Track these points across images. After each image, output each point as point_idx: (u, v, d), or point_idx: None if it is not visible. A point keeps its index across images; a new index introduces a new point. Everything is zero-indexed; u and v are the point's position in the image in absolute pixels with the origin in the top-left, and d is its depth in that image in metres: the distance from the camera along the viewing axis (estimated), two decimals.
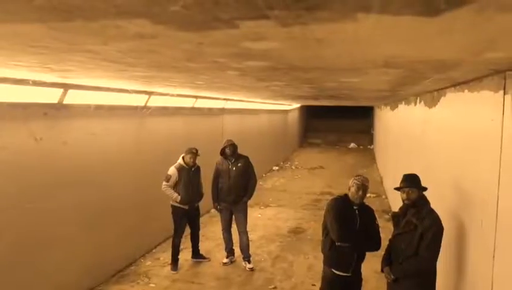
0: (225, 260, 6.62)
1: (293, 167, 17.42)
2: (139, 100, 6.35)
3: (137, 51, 2.15)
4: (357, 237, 3.93)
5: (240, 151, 6.58)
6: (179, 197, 6.18)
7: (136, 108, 6.44)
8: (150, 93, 6.40)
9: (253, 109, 13.15)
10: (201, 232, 6.84)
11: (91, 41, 1.83)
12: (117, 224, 6.10)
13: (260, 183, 12.41)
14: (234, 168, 6.41)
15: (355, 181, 4.00)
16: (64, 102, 4.88)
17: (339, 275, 4.00)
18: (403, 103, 8.89)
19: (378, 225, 4.07)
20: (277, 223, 8.99)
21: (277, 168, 16.73)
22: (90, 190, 5.50)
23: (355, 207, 3.99)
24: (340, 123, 26.22)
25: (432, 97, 5.45)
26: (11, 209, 4.29)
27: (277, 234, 8.24)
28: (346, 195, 4.06)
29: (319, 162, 18.25)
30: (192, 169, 6.34)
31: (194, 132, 8.67)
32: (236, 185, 6.40)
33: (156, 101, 6.79)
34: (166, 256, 6.70)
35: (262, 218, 9.34)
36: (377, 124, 20.76)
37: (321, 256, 6.86)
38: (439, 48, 1.88)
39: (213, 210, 9.60)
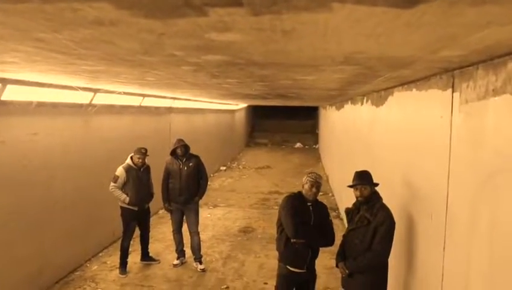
0: (176, 262, 6.47)
1: (241, 167, 17.43)
2: (84, 98, 6.06)
3: (92, 40, 2.02)
4: (312, 233, 3.96)
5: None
6: (128, 198, 5.97)
7: (81, 106, 6.14)
8: (95, 91, 6.13)
9: (201, 108, 13.01)
10: (150, 234, 6.64)
11: (43, 27, 1.69)
12: (61, 227, 5.78)
13: (208, 183, 12.28)
14: (185, 168, 6.28)
15: (309, 178, 4.03)
16: (2, 98, 4.56)
17: (294, 271, 4.01)
18: (349, 102, 9.13)
19: (331, 221, 4.13)
20: (226, 223, 8.94)
21: (224, 168, 16.67)
22: (31, 191, 5.19)
23: (309, 204, 4.02)
24: (286, 123, 26.62)
25: (379, 96, 5.62)
26: None
27: (227, 234, 8.18)
28: (299, 192, 4.09)
29: (266, 162, 18.37)
30: (141, 169, 6.15)
31: (141, 131, 8.43)
32: (188, 185, 6.27)
33: (101, 99, 6.52)
34: (114, 260, 6.46)
35: (212, 218, 9.25)
36: (322, 124, 21.21)
37: (272, 254, 6.95)
38: (401, 43, 1.91)
39: (162, 211, 9.41)
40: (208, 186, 11.49)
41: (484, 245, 2.35)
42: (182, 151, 6.27)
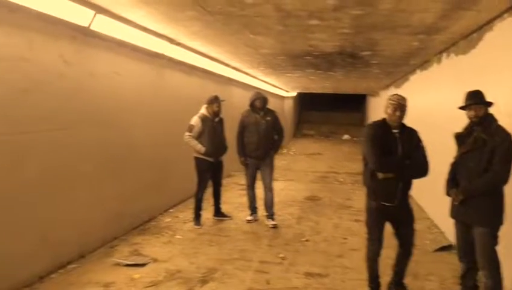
0: (249, 218, 6.30)
1: (291, 153, 17.17)
2: (159, 46, 5.97)
3: None
4: (399, 164, 3.56)
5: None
6: (203, 148, 5.83)
7: (156, 55, 6.06)
8: (171, 40, 6.06)
9: (257, 87, 12.85)
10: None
11: None
12: (136, 176, 5.73)
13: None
14: (263, 122, 6.09)
15: (391, 102, 3.63)
16: (91, 27, 4.49)
17: (383, 204, 3.64)
18: (417, 71, 8.71)
19: (423, 147, 3.69)
20: (290, 193, 8.71)
21: None
22: (111, 132, 5.14)
23: (394, 131, 3.64)
24: (333, 115, 26.29)
25: (468, 42, 5.25)
26: (35, 132, 3.88)
27: (293, 201, 7.96)
28: (383, 119, 3.71)
29: (316, 150, 18.07)
30: (216, 120, 6.02)
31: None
32: (265, 139, 6.08)
33: (174, 52, 6.44)
34: (186, 215, 6.38)
35: (275, 188, 8.99)
36: (371, 114, 20.68)
37: (346, 217, 6.70)
38: None
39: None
40: None
41: None
42: (260, 104, 6.11)
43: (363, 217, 3.95)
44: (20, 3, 3.54)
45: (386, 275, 3.93)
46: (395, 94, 3.79)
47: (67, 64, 4.27)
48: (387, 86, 14.13)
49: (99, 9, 4.33)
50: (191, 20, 5.03)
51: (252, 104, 6.16)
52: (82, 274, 4.13)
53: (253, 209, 6.35)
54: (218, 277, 4.16)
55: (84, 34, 4.44)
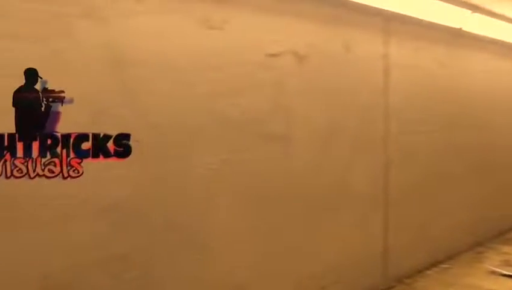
0: None
1: None
2: None
3: None
4: None
5: None
6: None
7: None
8: None
9: None
10: None
11: None
12: (498, 181, 5.35)
13: None
14: None
15: None
16: (465, 29, 4.44)
17: None
18: None
19: None
20: None
21: None
22: (480, 133, 4.96)
23: None
24: None
25: None
26: (417, 133, 4.09)
27: None
28: None
29: None
30: None
31: None
32: None
33: None
34: None
35: None
36: None
37: None
38: None
39: None
40: None
41: None
42: None
43: None
44: (410, 14, 3.82)
45: None
46: None
47: (442, 66, 4.36)
48: None
49: (474, 8, 4.25)
50: None
51: None
52: (457, 276, 4.10)
53: None
54: None
55: (456, 36, 4.44)
